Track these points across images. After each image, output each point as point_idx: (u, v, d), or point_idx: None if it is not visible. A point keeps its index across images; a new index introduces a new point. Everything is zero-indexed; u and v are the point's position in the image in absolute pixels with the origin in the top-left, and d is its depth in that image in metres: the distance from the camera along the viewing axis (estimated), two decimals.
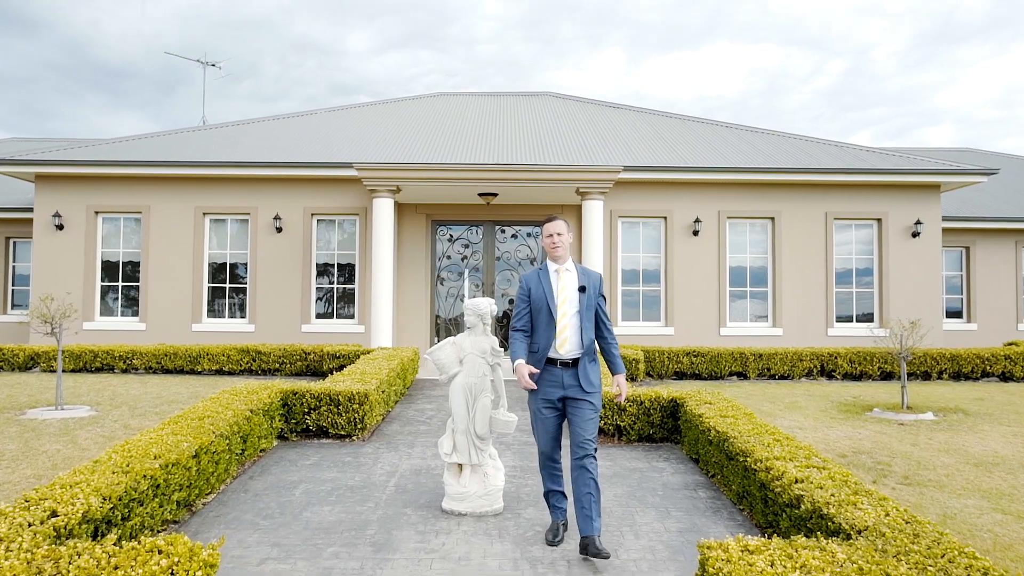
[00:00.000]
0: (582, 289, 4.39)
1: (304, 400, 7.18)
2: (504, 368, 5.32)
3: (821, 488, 4.21)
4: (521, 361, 4.37)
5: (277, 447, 6.93)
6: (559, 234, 4.45)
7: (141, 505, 4.25)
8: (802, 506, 4.11)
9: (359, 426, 7.19)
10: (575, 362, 4.35)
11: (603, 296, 4.55)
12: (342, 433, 7.19)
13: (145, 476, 4.32)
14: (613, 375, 4.56)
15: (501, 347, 5.24)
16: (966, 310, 15.77)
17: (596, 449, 4.28)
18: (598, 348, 4.55)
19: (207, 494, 5.29)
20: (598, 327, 4.51)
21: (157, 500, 4.43)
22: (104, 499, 3.88)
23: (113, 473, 4.23)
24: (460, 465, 5.16)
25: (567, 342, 4.34)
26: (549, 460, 4.54)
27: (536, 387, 4.37)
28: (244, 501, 5.27)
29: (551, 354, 4.36)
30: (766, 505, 4.69)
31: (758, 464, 4.86)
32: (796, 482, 4.39)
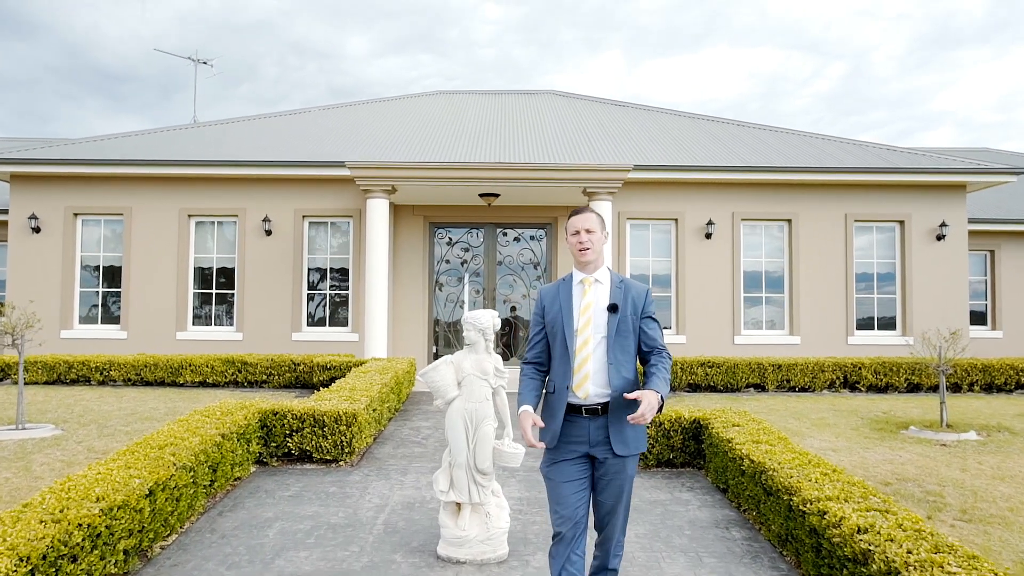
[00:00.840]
0: (612, 308, 3.18)
1: (285, 421, 6.46)
2: (510, 387, 4.60)
3: (892, 540, 3.49)
4: (527, 408, 3.16)
5: (254, 474, 6.21)
6: (588, 231, 3.22)
7: (74, 561, 3.53)
8: (872, 565, 3.39)
9: (346, 450, 6.46)
10: (604, 408, 3.14)
11: (652, 317, 3.28)
12: (328, 458, 6.46)
13: (81, 525, 3.60)
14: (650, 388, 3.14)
15: (506, 367, 4.50)
16: (991, 317, 15.03)
17: (620, 555, 3.33)
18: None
19: (166, 536, 4.58)
20: (644, 357, 3.28)
21: (97, 552, 3.71)
22: (21, 560, 3.16)
23: (41, 522, 3.51)
24: (458, 504, 4.45)
25: (588, 381, 3.13)
26: (566, 549, 3.18)
27: (543, 444, 3.17)
28: (209, 544, 4.55)
29: (570, 398, 3.17)
30: (818, 555, 3.97)
31: (808, 506, 4.13)
32: (859, 532, 3.66)
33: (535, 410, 3.21)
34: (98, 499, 3.89)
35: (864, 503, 4.07)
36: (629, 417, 2.99)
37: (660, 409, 3.04)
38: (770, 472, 4.81)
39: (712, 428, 6.22)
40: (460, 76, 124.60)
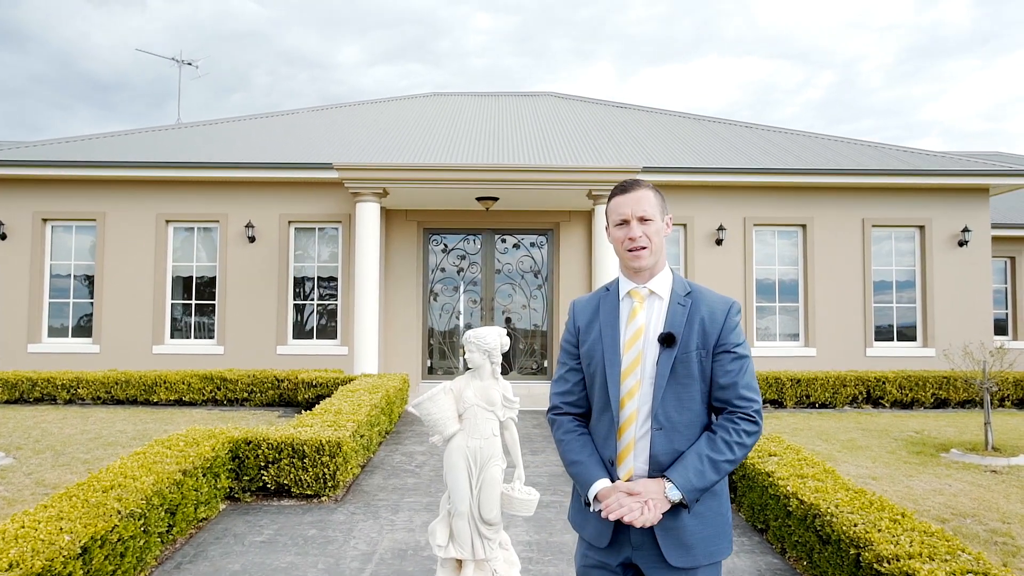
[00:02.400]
0: (666, 340, 2.04)
1: (260, 451, 5.68)
2: (522, 419, 3.84)
3: None
4: (604, 483, 2.04)
5: (224, 512, 5.43)
6: (643, 219, 2.09)
7: None
8: None
9: (329, 483, 5.69)
10: None
11: (735, 352, 2.06)
12: (308, 492, 5.68)
13: None
14: (662, 473, 2.02)
15: (516, 395, 3.74)
16: (1012, 327, 14.34)
17: None
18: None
19: None
20: (715, 409, 2.11)
21: None
22: None
23: None
24: (459, 560, 3.69)
25: (631, 452, 2.06)
26: None
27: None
28: None
29: (613, 474, 2.09)
30: None
31: (886, 566, 3.39)
32: None
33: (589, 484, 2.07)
34: (11, 566, 3.12)
35: (955, 562, 3.33)
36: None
37: (686, 506, 1.97)
38: (827, 517, 4.07)
39: (746, 459, 5.47)
40: (452, 85, 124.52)
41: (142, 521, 4.14)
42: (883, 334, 12.50)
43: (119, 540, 3.86)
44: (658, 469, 2.02)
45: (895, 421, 9.50)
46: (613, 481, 2.06)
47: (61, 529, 3.56)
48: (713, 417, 2.12)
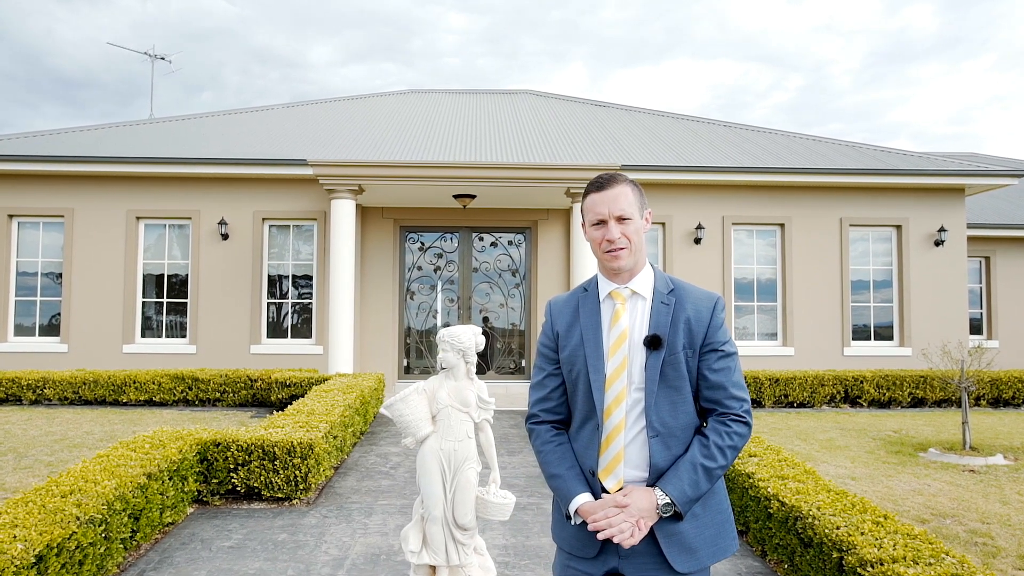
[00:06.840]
0: (652, 342, 1.94)
1: (229, 454, 5.52)
2: (499, 420, 3.73)
3: None
4: (586, 499, 1.95)
5: (192, 516, 5.26)
6: (621, 219, 1.97)
7: None
8: None
9: (301, 486, 5.54)
10: None
11: (722, 350, 1.97)
12: (279, 495, 5.53)
13: None
14: (656, 484, 1.92)
15: (491, 396, 3.63)
16: (986, 326, 14.46)
17: None
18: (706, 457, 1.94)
19: None
20: (703, 410, 2.01)
21: None
22: None
23: None
24: (433, 567, 3.57)
25: (621, 461, 1.95)
26: None
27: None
28: None
29: (594, 484, 2.00)
30: None
31: (869, 570, 3.32)
32: None
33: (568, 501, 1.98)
34: None
35: (939, 566, 3.27)
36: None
37: (676, 516, 1.89)
38: (808, 519, 4.00)
39: None
40: (425, 85, 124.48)
41: (103, 527, 3.98)
42: (860, 333, 12.54)
43: (77, 547, 3.70)
44: (655, 473, 1.95)
45: (873, 420, 9.51)
46: (595, 493, 1.97)
47: (15, 537, 3.39)
48: (702, 419, 2.05)
